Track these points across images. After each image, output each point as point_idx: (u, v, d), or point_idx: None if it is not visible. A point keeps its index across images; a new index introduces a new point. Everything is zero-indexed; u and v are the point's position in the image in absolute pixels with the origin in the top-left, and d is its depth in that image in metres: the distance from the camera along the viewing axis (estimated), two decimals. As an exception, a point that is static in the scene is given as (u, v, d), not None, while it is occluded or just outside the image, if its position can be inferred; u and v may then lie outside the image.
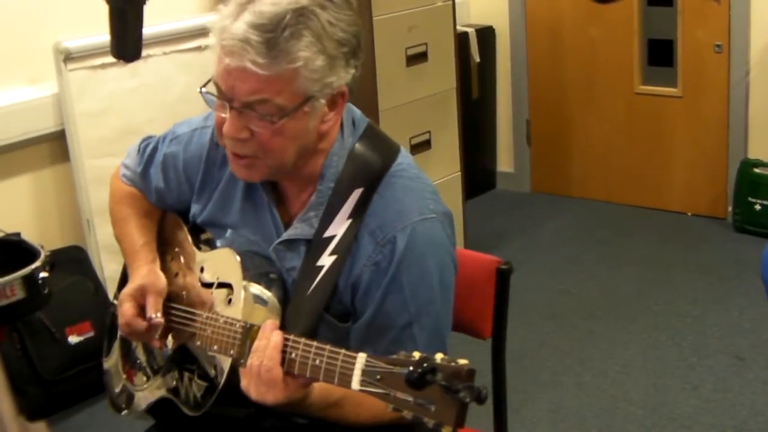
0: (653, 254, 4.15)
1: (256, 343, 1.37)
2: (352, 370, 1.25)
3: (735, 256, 4.04)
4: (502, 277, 1.75)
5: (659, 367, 3.22)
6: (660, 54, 4.47)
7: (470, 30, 4.73)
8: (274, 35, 1.36)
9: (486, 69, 4.88)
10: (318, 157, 1.53)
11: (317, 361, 1.30)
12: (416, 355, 1.20)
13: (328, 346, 1.30)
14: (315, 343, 1.32)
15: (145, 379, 1.74)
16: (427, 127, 3.76)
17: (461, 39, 4.48)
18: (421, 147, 3.68)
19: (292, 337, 1.35)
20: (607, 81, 4.65)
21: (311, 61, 1.38)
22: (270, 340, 1.35)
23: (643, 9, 4.47)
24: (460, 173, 3.93)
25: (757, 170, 4.18)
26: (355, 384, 1.25)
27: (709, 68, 4.32)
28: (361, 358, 1.25)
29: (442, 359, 1.18)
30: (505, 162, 5.12)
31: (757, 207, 4.18)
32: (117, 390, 1.81)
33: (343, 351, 1.28)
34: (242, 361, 1.40)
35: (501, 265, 1.75)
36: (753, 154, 4.27)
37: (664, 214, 4.58)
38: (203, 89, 1.47)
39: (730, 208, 4.35)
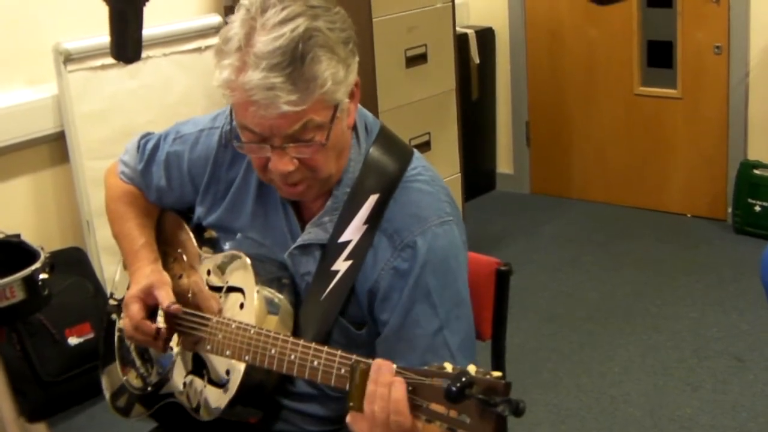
0: (653, 256, 4.15)
1: (372, 388, 1.27)
2: None
3: (735, 258, 4.04)
4: (502, 279, 1.75)
5: (659, 369, 3.22)
6: (659, 55, 4.47)
7: (470, 31, 4.73)
8: (293, 68, 1.34)
9: (485, 70, 4.88)
10: (340, 161, 1.52)
11: (342, 371, 1.30)
12: (448, 366, 1.20)
13: (354, 356, 1.30)
14: (339, 352, 1.31)
15: (141, 382, 1.74)
16: (427, 128, 3.76)
17: (461, 40, 4.48)
18: (420, 148, 3.64)
19: (314, 345, 1.35)
20: (607, 82, 4.65)
21: (335, 74, 1.38)
22: (392, 390, 1.25)
23: (642, 10, 4.47)
24: (459, 174, 3.93)
25: (756, 171, 4.18)
26: None
27: (708, 69, 4.32)
28: (391, 368, 1.25)
29: (476, 372, 1.18)
30: (504, 163, 5.12)
31: (757, 208, 4.18)
32: (117, 394, 1.80)
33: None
34: (353, 403, 1.31)
35: (500, 266, 1.74)
36: (753, 155, 4.27)
37: (663, 216, 4.58)
38: (237, 144, 1.46)
39: (729, 210, 4.35)
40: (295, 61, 1.34)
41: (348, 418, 1.32)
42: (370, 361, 1.29)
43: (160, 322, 1.61)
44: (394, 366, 1.26)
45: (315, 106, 1.38)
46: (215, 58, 1.41)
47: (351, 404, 1.31)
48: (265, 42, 1.35)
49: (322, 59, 1.36)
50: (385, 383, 1.26)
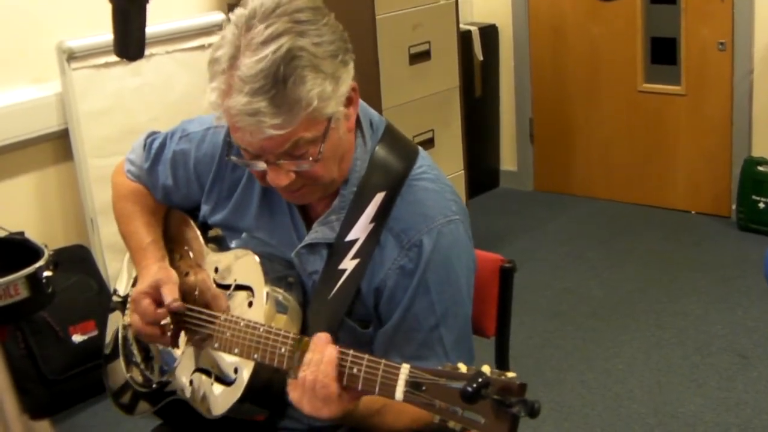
0: (656, 252, 4.15)
1: (309, 356, 1.34)
2: (395, 380, 1.25)
3: (739, 255, 4.04)
4: (506, 276, 1.75)
5: (663, 366, 3.22)
6: (663, 52, 4.47)
7: (473, 28, 4.73)
8: (276, 91, 1.33)
9: (489, 67, 4.87)
10: (343, 163, 1.52)
11: (354, 370, 1.30)
12: (462, 367, 1.20)
13: (366, 356, 1.30)
14: (351, 352, 1.31)
15: (145, 380, 1.74)
16: (430, 125, 3.76)
17: (464, 37, 4.48)
18: (424, 146, 3.66)
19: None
20: (611, 79, 4.64)
21: (321, 92, 1.36)
22: (324, 354, 1.32)
23: (646, 7, 4.46)
24: (463, 172, 3.93)
25: (761, 168, 4.17)
26: (399, 394, 1.24)
27: (712, 66, 4.31)
28: (405, 368, 1.25)
29: (491, 372, 1.18)
30: (508, 160, 5.11)
31: (761, 205, 4.18)
32: (121, 391, 1.80)
33: (383, 361, 1.28)
34: (291, 372, 1.37)
35: (504, 263, 1.75)
36: (757, 152, 4.27)
37: (667, 213, 4.58)
38: (234, 157, 1.47)
39: (733, 207, 4.34)
40: (277, 84, 1.33)
41: (287, 387, 1.37)
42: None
43: (167, 319, 1.61)
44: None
45: (303, 125, 1.37)
46: (208, 74, 1.41)
47: (290, 373, 1.37)
48: (248, 65, 1.34)
49: (306, 79, 1.34)
50: (320, 350, 1.32)
